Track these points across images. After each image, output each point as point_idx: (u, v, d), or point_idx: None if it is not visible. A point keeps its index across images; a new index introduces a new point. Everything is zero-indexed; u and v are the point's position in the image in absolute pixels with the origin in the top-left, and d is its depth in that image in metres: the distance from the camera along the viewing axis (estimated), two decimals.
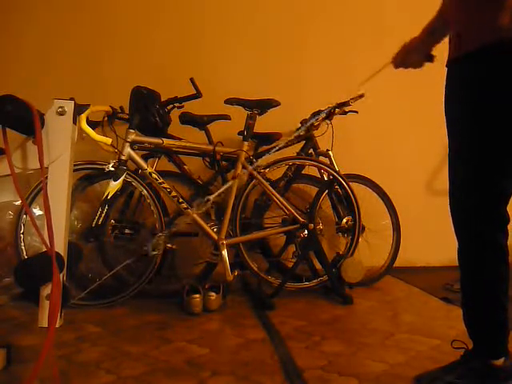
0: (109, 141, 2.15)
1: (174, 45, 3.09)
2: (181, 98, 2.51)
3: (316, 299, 2.48)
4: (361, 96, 2.75)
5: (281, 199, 2.45)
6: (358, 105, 2.74)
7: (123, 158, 2.21)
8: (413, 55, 1.55)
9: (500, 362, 1.38)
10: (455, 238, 1.42)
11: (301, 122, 2.79)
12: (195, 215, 2.33)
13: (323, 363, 1.59)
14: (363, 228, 2.72)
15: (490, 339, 1.40)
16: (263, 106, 2.46)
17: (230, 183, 2.27)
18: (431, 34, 1.52)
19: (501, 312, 1.37)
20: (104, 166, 2.21)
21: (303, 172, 2.73)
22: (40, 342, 1.71)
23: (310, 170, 2.76)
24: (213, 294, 2.21)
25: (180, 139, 2.45)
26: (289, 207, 2.45)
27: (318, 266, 2.58)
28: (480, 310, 1.40)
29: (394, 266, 2.85)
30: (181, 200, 2.31)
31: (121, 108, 2.37)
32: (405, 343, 1.81)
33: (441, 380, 1.39)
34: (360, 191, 2.71)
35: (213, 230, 2.38)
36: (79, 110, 1.26)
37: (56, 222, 1.16)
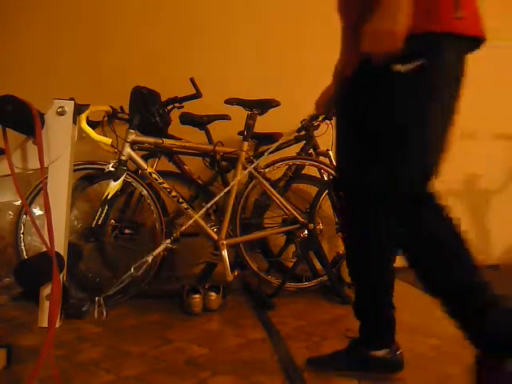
0: (109, 141, 2.15)
1: (173, 45, 3.08)
2: (181, 98, 2.51)
3: (316, 299, 2.48)
4: None
5: (281, 199, 2.45)
6: None
7: (123, 158, 2.22)
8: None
9: (381, 353, 1.46)
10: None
11: (301, 122, 2.79)
12: (195, 215, 2.33)
13: None
14: None
15: (371, 331, 1.49)
16: (263, 106, 2.46)
17: None
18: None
19: (382, 307, 1.48)
20: (104, 166, 2.21)
21: (303, 172, 2.74)
22: (40, 341, 1.71)
23: (310, 170, 2.76)
24: (213, 294, 2.21)
25: (180, 139, 2.45)
26: (289, 207, 2.45)
27: (318, 265, 2.58)
28: (364, 304, 1.50)
29: (394, 265, 2.84)
30: (181, 200, 2.31)
31: (121, 108, 2.37)
32: (404, 343, 1.80)
33: (328, 366, 1.51)
34: None
35: (213, 230, 2.38)
36: (79, 109, 1.26)
37: (56, 222, 1.16)
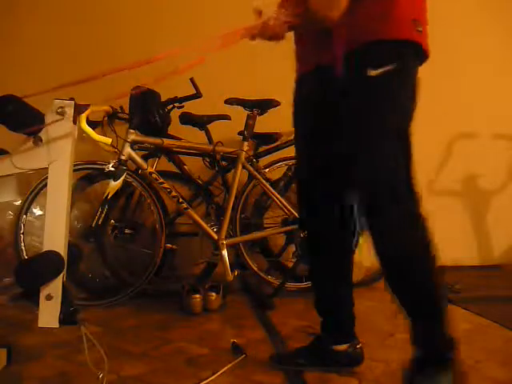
0: (109, 141, 2.15)
1: (173, 45, 3.08)
2: (181, 98, 2.51)
3: None
4: None
5: (281, 199, 2.45)
6: None
7: (123, 157, 2.21)
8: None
9: (343, 347, 1.50)
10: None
11: None
12: (195, 215, 2.33)
13: None
14: None
15: (334, 327, 1.53)
16: (263, 106, 2.46)
17: None
18: None
19: (344, 304, 1.53)
20: (104, 166, 2.21)
21: None
22: (40, 342, 1.71)
23: None
24: (213, 294, 2.21)
25: (180, 139, 2.45)
26: (289, 207, 2.45)
27: None
28: (327, 302, 1.55)
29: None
30: (181, 200, 2.31)
31: (121, 108, 2.37)
32: (405, 343, 1.80)
33: (291, 362, 1.54)
34: None
35: (213, 229, 2.38)
36: (79, 109, 1.25)
37: (56, 222, 1.16)
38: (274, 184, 2.54)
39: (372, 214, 1.30)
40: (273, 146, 2.74)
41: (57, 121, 1.17)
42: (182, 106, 2.57)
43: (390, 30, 1.27)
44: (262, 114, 2.48)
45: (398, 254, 1.29)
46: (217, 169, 2.57)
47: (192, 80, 2.50)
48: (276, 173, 2.59)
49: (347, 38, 1.29)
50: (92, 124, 2.09)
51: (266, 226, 2.66)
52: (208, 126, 2.64)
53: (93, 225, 2.18)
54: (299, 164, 1.60)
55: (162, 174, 2.37)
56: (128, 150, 2.23)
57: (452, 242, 3.35)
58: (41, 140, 1.17)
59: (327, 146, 1.40)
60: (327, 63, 1.34)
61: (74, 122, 1.23)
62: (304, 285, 2.55)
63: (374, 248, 1.30)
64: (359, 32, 1.28)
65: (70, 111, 1.21)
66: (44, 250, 1.15)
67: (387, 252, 1.30)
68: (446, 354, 1.30)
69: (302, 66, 1.51)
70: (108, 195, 2.18)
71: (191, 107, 2.59)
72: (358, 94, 1.30)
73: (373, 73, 1.26)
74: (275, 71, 3.13)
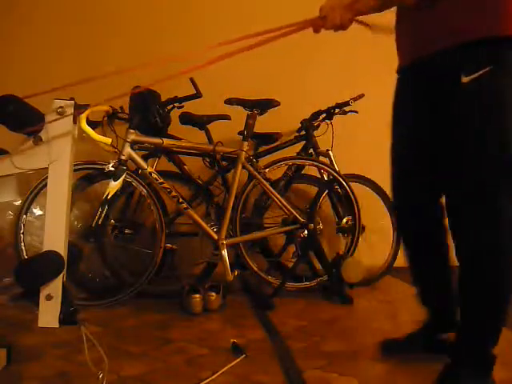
0: (109, 141, 2.15)
1: (174, 45, 3.09)
2: (181, 98, 2.51)
3: (316, 299, 2.48)
4: (361, 96, 2.75)
5: (281, 199, 2.45)
6: (358, 105, 2.74)
7: (123, 157, 2.21)
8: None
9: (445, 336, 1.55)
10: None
11: (301, 122, 2.79)
12: (195, 215, 2.33)
13: (323, 363, 1.59)
14: (363, 228, 2.72)
15: (441, 315, 1.59)
16: (263, 106, 2.46)
17: None
18: None
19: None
20: (104, 166, 2.21)
21: (303, 172, 2.74)
22: (40, 342, 1.71)
23: (310, 170, 2.76)
24: (213, 294, 2.21)
25: (180, 139, 2.45)
26: (289, 207, 2.45)
27: (318, 266, 2.58)
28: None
29: (394, 265, 2.85)
30: (181, 200, 2.31)
31: (121, 108, 2.37)
32: None
33: (405, 349, 1.59)
34: (360, 191, 2.71)
35: (213, 229, 2.38)
36: (79, 109, 1.25)
37: (56, 222, 1.16)
38: (273, 184, 2.54)
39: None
40: (273, 145, 2.75)
41: (57, 120, 1.17)
42: (182, 106, 2.57)
43: (498, 25, 1.12)
44: (262, 114, 2.48)
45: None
46: (217, 169, 2.57)
47: (192, 80, 2.50)
48: (276, 173, 2.60)
49: (443, 33, 1.16)
50: (92, 124, 2.09)
51: (266, 225, 2.67)
52: (208, 125, 2.65)
53: (93, 225, 2.18)
54: (401, 159, 1.52)
55: (162, 173, 2.37)
56: (128, 149, 2.23)
57: (451, 242, 3.35)
58: (41, 140, 1.17)
59: (432, 147, 1.36)
60: (423, 60, 1.24)
61: (74, 122, 1.23)
62: (304, 285, 2.56)
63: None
64: (457, 26, 1.13)
65: (69, 111, 1.21)
66: (44, 250, 1.15)
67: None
68: (489, 367, 1.33)
69: (401, 58, 1.41)
70: (108, 195, 2.18)
71: (191, 107, 2.59)
72: (455, 105, 1.18)
73: (465, 79, 1.12)
74: (275, 71, 3.14)
